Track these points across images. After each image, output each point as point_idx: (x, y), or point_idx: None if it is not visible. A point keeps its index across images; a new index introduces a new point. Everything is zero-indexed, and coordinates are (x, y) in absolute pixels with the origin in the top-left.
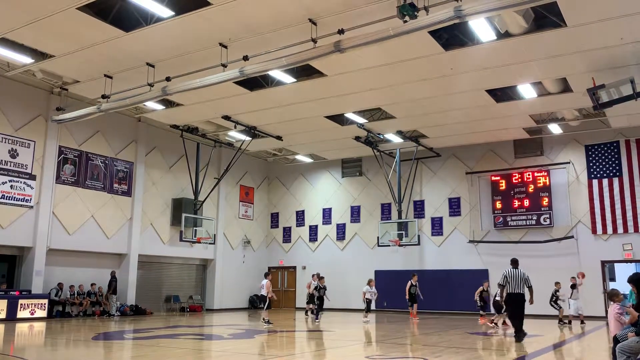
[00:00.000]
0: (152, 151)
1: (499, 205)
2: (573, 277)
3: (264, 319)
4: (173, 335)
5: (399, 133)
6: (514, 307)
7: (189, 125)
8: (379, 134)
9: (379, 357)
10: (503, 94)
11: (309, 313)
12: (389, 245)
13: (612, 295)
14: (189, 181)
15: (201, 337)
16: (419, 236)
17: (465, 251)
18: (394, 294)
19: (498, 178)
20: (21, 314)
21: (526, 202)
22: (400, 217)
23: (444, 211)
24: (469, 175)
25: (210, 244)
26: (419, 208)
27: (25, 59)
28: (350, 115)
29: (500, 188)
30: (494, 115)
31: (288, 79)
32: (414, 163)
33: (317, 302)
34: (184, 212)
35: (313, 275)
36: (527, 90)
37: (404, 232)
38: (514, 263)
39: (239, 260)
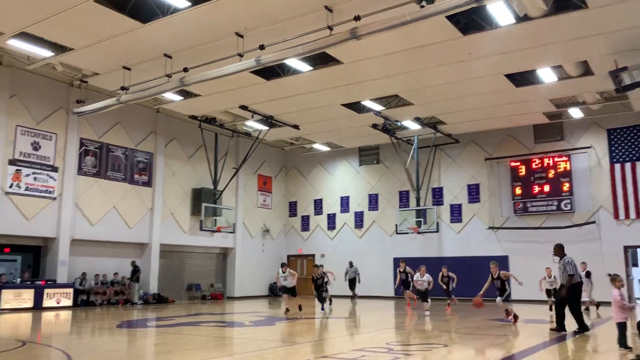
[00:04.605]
0: (171, 142)
1: (518, 191)
2: (584, 264)
3: (300, 307)
4: (195, 322)
5: (417, 120)
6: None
7: (206, 115)
8: (396, 121)
9: (399, 343)
10: (522, 79)
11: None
12: (408, 233)
13: (612, 280)
14: (208, 171)
15: (223, 324)
16: (437, 223)
17: (485, 238)
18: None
19: (518, 164)
20: (47, 303)
21: (546, 188)
22: (418, 204)
23: (463, 198)
24: (488, 161)
25: (230, 233)
26: (437, 195)
27: (45, 53)
28: (367, 103)
29: (520, 174)
30: (513, 100)
31: (304, 67)
32: (432, 150)
33: (315, 292)
34: (204, 201)
35: (316, 266)
36: (547, 74)
37: (422, 219)
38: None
39: (259, 249)
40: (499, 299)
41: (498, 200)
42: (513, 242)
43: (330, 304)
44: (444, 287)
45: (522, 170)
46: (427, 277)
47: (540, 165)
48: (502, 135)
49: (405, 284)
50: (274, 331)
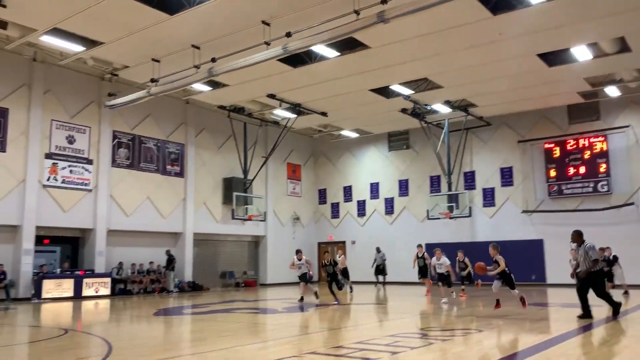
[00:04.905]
0: (201, 132)
1: (553, 173)
2: (608, 248)
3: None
4: (229, 309)
5: (447, 103)
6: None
7: (235, 105)
8: (425, 105)
9: (433, 329)
10: (556, 58)
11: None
12: (439, 218)
13: None
14: (238, 160)
15: (256, 311)
16: (470, 208)
17: (519, 222)
18: None
19: (552, 145)
20: (86, 292)
21: (582, 169)
22: (450, 189)
23: (496, 181)
24: (521, 144)
25: (261, 221)
26: (469, 179)
27: (76, 47)
28: (395, 87)
29: (554, 155)
30: (546, 80)
31: (331, 53)
32: (463, 133)
33: (328, 279)
34: (235, 190)
35: (326, 253)
36: (581, 52)
37: (454, 204)
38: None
39: (289, 236)
40: (496, 282)
41: (532, 183)
42: (548, 225)
43: (352, 290)
44: (461, 272)
45: (557, 152)
46: (444, 260)
47: (575, 146)
48: (535, 116)
49: (422, 270)
50: (306, 318)
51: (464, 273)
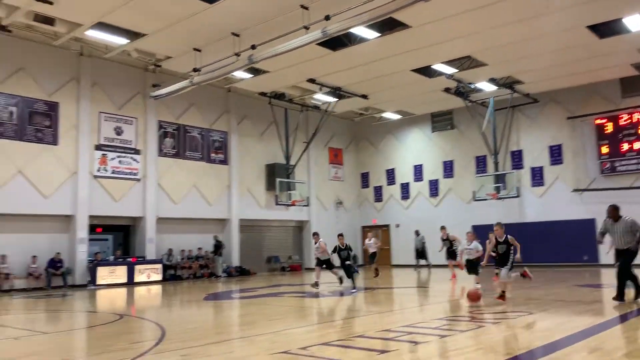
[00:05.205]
0: (244, 120)
1: (605, 150)
2: None
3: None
4: (276, 293)
5: (492, 81)
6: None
7: (275, 91)
8: (469, 83)
9: (482, 312)
10: (607, 29)
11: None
12: (486, 199)
13: None
14: (280, 147)
15: (303, 294)
16: (518, 188)
17: (570, 201)
18: None
19: (604, 121)
20: (138, 278)
21: (637, 145)
22: (496, 169)
23: (545, 160)
24: (570, 120)
25: (304, 206)
26: (516, 158)
27: (120, 40)
28: (438, 67)
29: (606, 131)
30: (596, 52)
31: (371, 34)
32: (509, 111)
33: (339, 266)
34: (277, 176)
35: (339, 236)
36: (635, 22)
37: (501, 184)
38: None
39: (333, 221)
40: (504, 270)
41: (583, 161)
42: (600, 204)
43: (377, 275)
44: (494, 255)
45: (609, 128)
46: (475, 245)
47: (629, 121)
48: (585, 91)
49: (449, 253)
50: (352, 301)
51: (494, 254)
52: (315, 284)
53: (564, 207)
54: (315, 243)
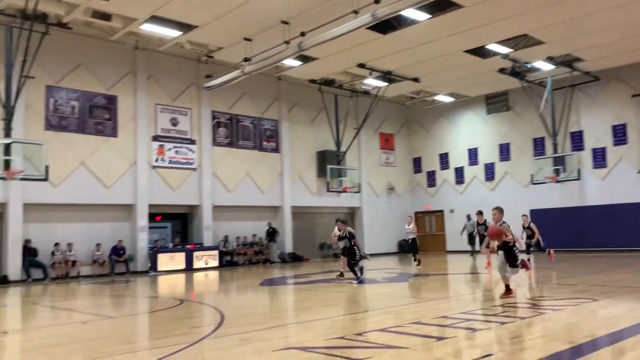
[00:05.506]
0: (294, 108)
1: None
2: None
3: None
4: (330, 279)
5: (550, 59)
6: None
7: (325, 78)
8: (526, 63)
9: (543, 298)
10: None
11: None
12: (545, 183)
13: None
14: (330, 133)
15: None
16: (578, 170)
17: (634, 182)
18: (554, 233)
19: None
20: (197, 264)
21: None
22: (555, 151)
23: (607, 140)
24: (635, 98)
25: (355, 192)
26: (577, 139)
27: (174, 33)
28: (492, 47)
29: None
30: None
31: (422, 16)
32: (568, 91)
33: (344, 254)
34: (328, 163)
35: (339, 222)
36: None
37: (560, 167)
38: None
39: (385, 207)
40: (502, 262)
41: None
42: None
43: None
44: (526, 240)
45: None
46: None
47: None
48: None
49: (484, 238)
50: (406, 288)
51: (533, 241)
52: (341, 274)
53: (628, 189)
54: (339, 231)
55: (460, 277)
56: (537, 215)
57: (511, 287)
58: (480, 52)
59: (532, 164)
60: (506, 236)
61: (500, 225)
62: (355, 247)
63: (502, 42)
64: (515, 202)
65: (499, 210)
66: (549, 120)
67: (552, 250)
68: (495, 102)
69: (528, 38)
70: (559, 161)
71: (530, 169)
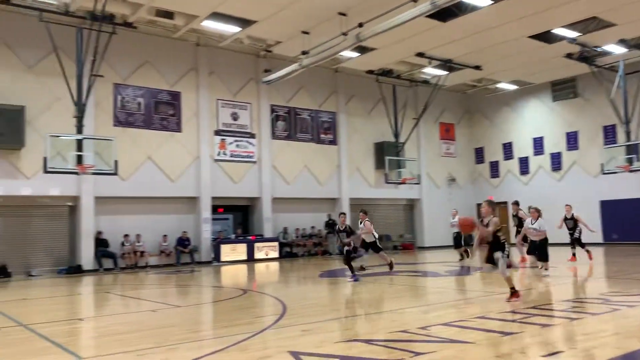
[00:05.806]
0: (351, 99)
1: None
2: None
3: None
4: (390, 272)
5: (622, 42)
6: None
7: (383, 68)
8: (595, 47)
9: (616, 293)
10: None
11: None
12: (617, 172)
13: None
14: (388, 124)
15: (418, 274)
16: None
17: None
18: (627, 225)
19: None
20: (257, 255)
21: None
22: (629, 139)
23: None
24: None
25: (415, 184)
26: None
27: (233, 29)
28: (558, 31)
29: None
30: None
31: (484, 2)
32: None
33: (340, 247)
34: (386, 155)
35: (341, 215)
36: None
37: (634, 155)
38: None
39: (445, 199)
40: (501, 260)
41: None
42: None
43: (466, 257)
44: (568, 232)
45: None
46: (541, 222)
47: None
48: None
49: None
50: (471, 281)
51: (577, 233)
52: (361, 268)
53: None
54: (360, 222)
55: (524, 270)
56: (608, 206)
57: (517, 288)
58: (546, 37)
59: (602, 153)
60: (478, 229)
61: (489, 220)
62: (352, 242)
63: (570, 26)
64: (584, 193)
65: (488, 204)
66: (621, 106)
67: (590, 252)
68: (562, 89)
69: (598, 20)
70: (632, 150)
71: (601, 158)
